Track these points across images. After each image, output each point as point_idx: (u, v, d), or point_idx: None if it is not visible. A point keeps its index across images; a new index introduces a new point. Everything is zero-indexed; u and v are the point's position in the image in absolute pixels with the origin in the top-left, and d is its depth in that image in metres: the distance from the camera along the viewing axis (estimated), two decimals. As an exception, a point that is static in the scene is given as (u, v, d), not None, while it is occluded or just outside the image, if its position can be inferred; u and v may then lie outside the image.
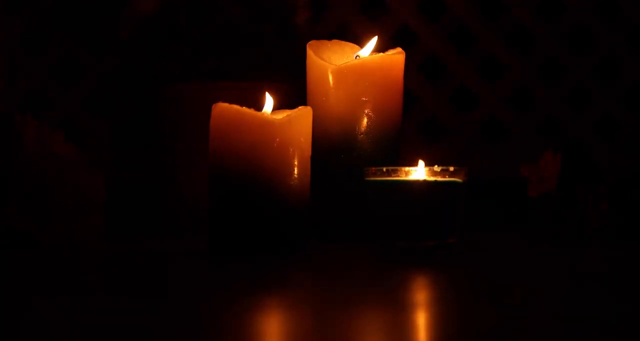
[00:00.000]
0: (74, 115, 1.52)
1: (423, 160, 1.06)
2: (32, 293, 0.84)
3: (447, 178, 1.04)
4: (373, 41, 1.19)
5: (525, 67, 1.56)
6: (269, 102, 1.09)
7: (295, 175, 1.06)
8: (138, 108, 1.49)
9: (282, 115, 1.07)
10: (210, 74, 1.41)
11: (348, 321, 0.71)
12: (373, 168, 1.06)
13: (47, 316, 0.73)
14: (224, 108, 1.05)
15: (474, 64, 1.56)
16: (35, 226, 1.12)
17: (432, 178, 1.04)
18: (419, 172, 1.05)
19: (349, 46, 1.22)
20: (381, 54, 1.18)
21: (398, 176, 1.05)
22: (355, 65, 1.17)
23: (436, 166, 1.05)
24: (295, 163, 1.06)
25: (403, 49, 1.19)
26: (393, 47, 1.20)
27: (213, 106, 1.06)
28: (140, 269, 0.99)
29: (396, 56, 1.18)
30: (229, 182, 1.05)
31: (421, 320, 0.72)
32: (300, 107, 1.08)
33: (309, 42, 1.20)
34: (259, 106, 1.10)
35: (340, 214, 1.18)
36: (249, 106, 1.06)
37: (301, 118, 1.07)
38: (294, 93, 1.32)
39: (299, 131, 1.06)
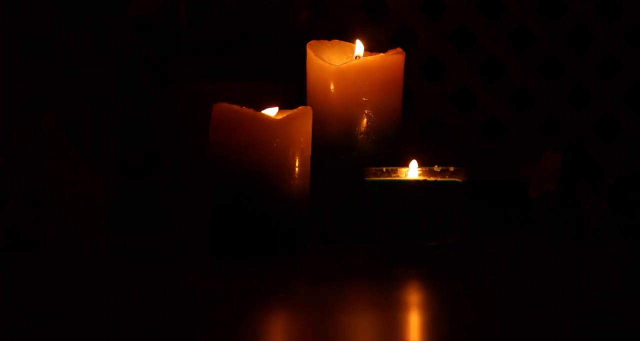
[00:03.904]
0: (74, 115, 1.52)
1: (423, 160, 1.06)
2: (31, 293, 0.84)
3: (447, 178, 1.04)
4: (358, 44, 1.20)
5: (525, 67, 1.56)
6: (272, 110, 1.09)
7: (295, 175, 1.06)
8: (138, 108, 1.49)
9: (282, 115, 1.07)
10: (210, 74, 1.40)
11: (348, 321, 0.71)
12: (373, 168, 1.06)
13: (46, 316, 0.73)
14: (224, 108, 1.05)
15: (474, 64, 1.55)
16: (35, 226, 1.12)
17: (432, 178, 1.04)
18: (411, 172, 1.05)
19: (349, 46, 1.22)
20: (381, 54, 1.18)
21: (398, 176, 1.05)
22: (355, 65, 1.17)
23: (436, 166, 1.05)
24: (295, 163, 1.06)
25: (403, 49, 1.19)
26: (393, 47, 1.20)
27: (213, 106, 1.06)
28: (141, 269, 0.99)
29: (396, 56, 1.18)
30: (229, 182, 1.05)
31: (421, 320, 0.72)
32: (300, 107, 1.08)
33: (309, 42, 1.20)
34: (259, 106, 1.09)
35: (340, 214, 1.18)
36: (249, 106, 1.06)
37: (301, 118, 1.07)
38: (294, 93, 1.32)
39: (299, 131, 1.06)
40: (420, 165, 1.06)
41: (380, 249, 1.07)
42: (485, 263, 1.03)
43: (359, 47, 1.20)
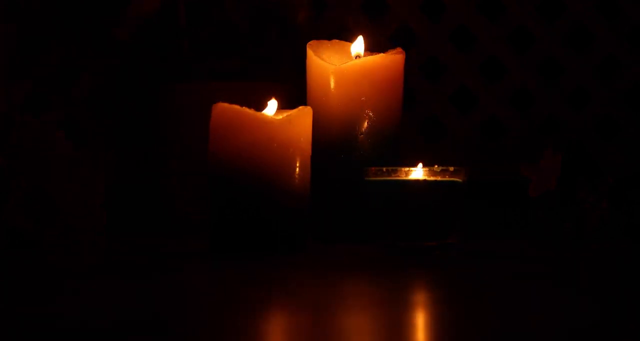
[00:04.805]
0: (74, 115, 1.52)
1: (423, 160, 1.06)
2: (31, 293, 0.84)
3: (447, 178, 1.04)
4: (359, 40, 1.19)
5: (525, 67, 1.56)
6: (272, 105, 1.09)
7: (296, 175, 1.06)
8: (138, 108, 1.49)
9: (282, 115, 1.07)
10: (210, 74, 1.41)
11: (348, 321, 0.71)
12: (373, 168, 1.06)
13: (46, 316, 0.73)
14: (224, 108, 1.05)
15: (474, 64, 1.55)
16: (34, 226, 1.12)
17: (432, 178, 1.04)
18: (417, 173, 1.05)
19: (349, 46, 1.22)
20: (381, 54, 1.18)
21: (398, 176, 1.05)
22: (355, 65, 1.17)
23: (436, 166, 1.05)
24: (295, 163, 1.06)
25: (403, 49, 1.19)
26: (393, 47, 1.20)
27: (213, 106, 1.06)
28: (140, 269, 0.99)
29: (396, 56, 1.18)
30: (229, 182, 1.05)
31: (421, 320, 0.72)
32: (300, 107, 1.08)
33: (309, 42, 1.20)
34: (259, 106, 1.10)
35: (340, 214, 1.18)
36: (249, 106, 1.06)
37: (301, 118, 1.07)
38: (294, 93, 1.32)
39: (299, 131, 1.06)
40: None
41: (380, 249, 1.07)
42: (485, 263, 1.03)
43: (359, 43, 1.19)
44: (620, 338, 0.65)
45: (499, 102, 1.56)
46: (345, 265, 1.02)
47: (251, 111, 1.05)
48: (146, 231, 1.37)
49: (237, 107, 1.05)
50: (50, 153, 1.14)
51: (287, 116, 1.06)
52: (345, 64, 1.17)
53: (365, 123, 1.17)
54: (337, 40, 1.22)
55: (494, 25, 1.55)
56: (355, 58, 1.19)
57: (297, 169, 1.06)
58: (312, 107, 1.10)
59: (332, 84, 1.17)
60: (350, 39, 1.22)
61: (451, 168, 1.04)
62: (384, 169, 1.06)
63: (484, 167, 1.53)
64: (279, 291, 0.84)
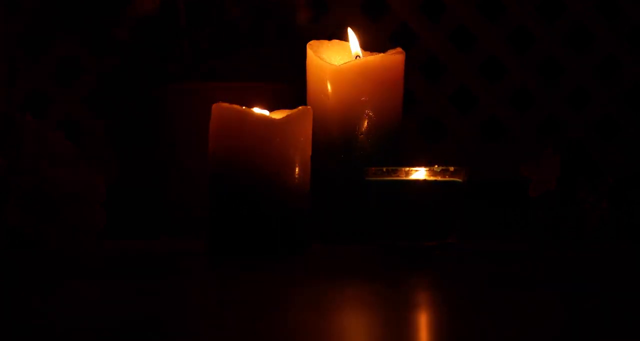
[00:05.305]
0: (74, 115, 1.52)
1: (423, 160, 1.05)
2: (31, 292, 0.84)
3: (447, 178, 1.04)
4: (350, 33, 1.19)
5: (525, 67, 1.56)
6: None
7: (296, 175, 1.06)
8: (138, 108, 1.49)
9: (282, 115, 1.07)
10: (210, 74, 1.40)
11: (348, 321, 0.71)
12: (373, 168, 1.06)
13: (46, 317, 0.73)
14: (224, 108, 1.05)
15: (474, 64, 1.55)
16: (34, 226, 1.12)
17: (432, 178, 1.04)
18: (418, 174, 1.05)
19: (349, 46, 1.22)
20: (381, 54, 1.18)
21: (398, 176, 1.05)
22: (355, 65, 1.17)
23: (436, 166, 1.05)
24: (296, 163, 1.06)
25: (403, 49, 1.19)
26: (393, 47, 1.20)
27: (213, 106, 1.06)
28: (140, 269, 0.99)
29: (396, 56, 1.18)
30: (229, 182, 1.05)
31: (421, 320, 0.72)
32: (300, 107, 1.08)
33: (309, 42, 1.20)
34: (259, 106, 1.09)
35: (340, 214, 1.18)
36: (249, 106, 1.06)
37: (301, 118, 1.07)
38: (294, 94, 1.32)
39: (299, 131, 1.06)
40: (420, 165, 1.06)
41: (380, 249, 1.07)
42: (485, 263, 1.03)
43: (352, 38, 1.19)
44: (621, 338, 0.65)
45: (499, 102, 1.56)
46: (345, 265, 1.02)
47: (251, 111, 1.05)
48: (146, 231, 1.37)
49: (237, 107, 1.05)
50: (50, 153, 1.14)
51: (287, 116, 1.06)
52: (345, 64, 1.17)
53: (365, 123, 1.17)
54: (337, 40, 1.22)
55: (494, 25, 1.55)
56: (355, 58, 1.19)
57: (297, 169, 1.06)
58: (312, 107, 1.10)
59: (332, 84, 1.17)
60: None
61: (451, 168, 1.04)
62: (384, 169, 1.06)
63: (484, 167, 1.53)
64: (279, 291, 0.84)
